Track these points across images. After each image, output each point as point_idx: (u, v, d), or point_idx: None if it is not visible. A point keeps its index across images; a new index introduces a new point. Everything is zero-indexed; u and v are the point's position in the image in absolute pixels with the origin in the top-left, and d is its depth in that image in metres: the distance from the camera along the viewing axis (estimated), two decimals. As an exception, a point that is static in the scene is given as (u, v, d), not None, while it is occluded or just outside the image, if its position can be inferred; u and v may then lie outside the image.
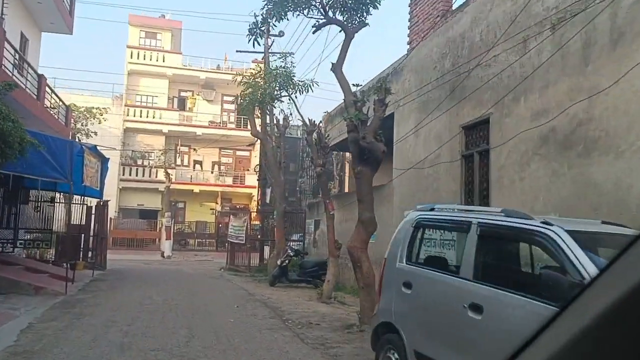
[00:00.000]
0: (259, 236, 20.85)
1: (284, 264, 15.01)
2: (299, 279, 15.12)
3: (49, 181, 13.39)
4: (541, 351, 0.86)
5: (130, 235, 29.83)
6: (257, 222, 32.98)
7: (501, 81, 8.35)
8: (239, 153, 36.20)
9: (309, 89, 13.41)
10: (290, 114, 17.41)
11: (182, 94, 35.27)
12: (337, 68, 9.80)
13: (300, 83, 13.35)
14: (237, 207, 35.58)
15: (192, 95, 34.34)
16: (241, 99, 14.69)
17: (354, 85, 14.99)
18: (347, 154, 33.16)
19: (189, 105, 34.87)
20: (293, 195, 37.33)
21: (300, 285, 15.20)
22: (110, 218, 30.14)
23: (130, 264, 22.76)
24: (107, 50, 66.27)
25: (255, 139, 35.73)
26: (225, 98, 35.72)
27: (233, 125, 35.11)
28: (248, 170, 35.01)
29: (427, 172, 10.57)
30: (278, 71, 13.16)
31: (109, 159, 15.94)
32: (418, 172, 10.81)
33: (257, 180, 22.00)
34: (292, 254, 15.29)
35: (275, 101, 13.86)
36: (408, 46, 12.07)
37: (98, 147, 16.15)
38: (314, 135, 12.81)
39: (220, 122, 35.06)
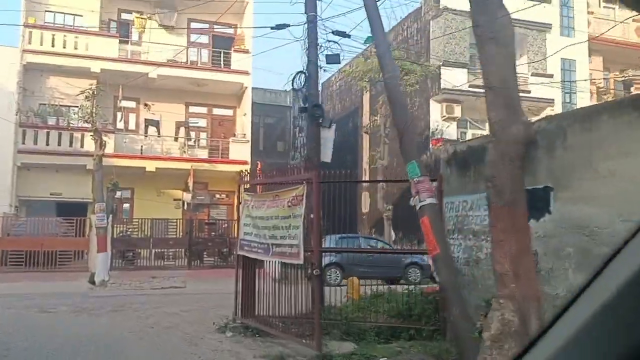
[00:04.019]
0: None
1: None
2: None
3: None
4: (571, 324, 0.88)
5: (33, 245, 16.65)
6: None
7: None
8: (217, 111, 23.42)
9: None
10: None
11: (124, 15, 22.15)
12: None
13: None
14: (219, 194, 22.97)
15: (141, 15, 21.24)
16: None
17: None
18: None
19: (136, 31, 21.79)
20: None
21: None
22: (-2, 216, 16.93)
23: (7, 314, 9.97)
24: None
25: (244, 86, 23.14)
26: (194, 25, 22.87)
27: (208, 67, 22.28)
28: (234, 136, 22.28)
29: None
30: None
31: None
32: None
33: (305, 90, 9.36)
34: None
35: None
36: None
37: None
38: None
39: (187, 62, 22.18)
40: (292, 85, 9.06)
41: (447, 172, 7.64)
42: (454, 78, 23.16)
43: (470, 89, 23.26)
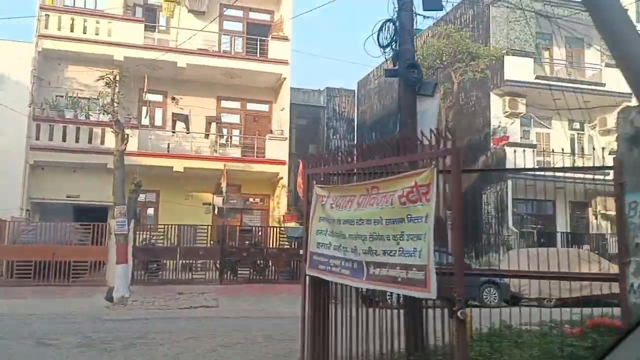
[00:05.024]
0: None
1: None
2: None
3: None
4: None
5: (43, 255, 14.41)
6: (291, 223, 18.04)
7: None
8: (251, 106, 21.07)
9: None
10: None
11: (150, 0, 20.08)
12: None
13: None
14: (253, 198, 20.64)
15: (169, -2, 19.01)
16: None
17: None
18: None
19: (163, 16, 19.67)
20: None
21: None
22: (5, 221, 14.83)
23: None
24: None
25: (282, 77, 20.65)
26: (227, 12, 20.62)
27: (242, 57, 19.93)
28: (271, 133, 19.87)
29: None
30: None
31: None
32: None
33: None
34: None
35: None
36: None
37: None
38: None
39: (219, 50, 19.93)
40: (377, 40, 6.55)
41: (633, 155, 4.98)
42: (519, 69, 20.41)
43: (538, 81, 20.50)
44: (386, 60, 7.70)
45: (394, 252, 4.52)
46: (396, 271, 4.45)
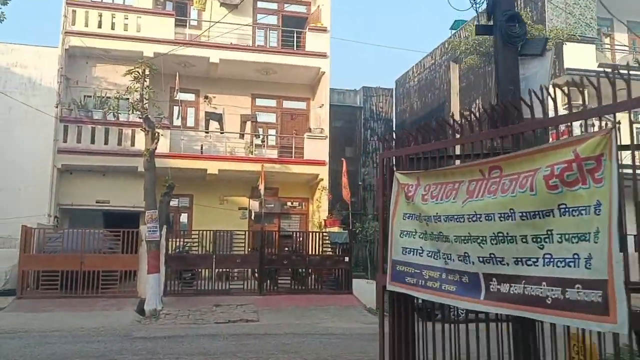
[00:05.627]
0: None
1: None
2: None
3: None
4: None
5: (71, 264, 13.38)
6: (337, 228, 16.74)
7: None
8: (287, 104, 19.82)
9: None
10: None
11: (182, -6, 19.12)
12: None
13: None
14: (291, 202, 19.41)
15: (201, -8, 17.94)
16: None
17: None
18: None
19: (195, 10, 18.65)
20: (354, 194, 22.50)
21: None
22: (31, 228, 13.87)
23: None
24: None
25: (320, 71, 19.27)
26: (260, 4, 19.49)
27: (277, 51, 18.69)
28: (309, 131, 18.56)
29: None
30: None
31: None
32: None
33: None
34: None
35: None
36: None
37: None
38: None
39: (253, 45, 18.78)
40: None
41: None
42: (580, 57, 18.57)
43: (601, 69, 18.61)
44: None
45: (534, 260, 3.08)
46: (542, 288, 3.00)
